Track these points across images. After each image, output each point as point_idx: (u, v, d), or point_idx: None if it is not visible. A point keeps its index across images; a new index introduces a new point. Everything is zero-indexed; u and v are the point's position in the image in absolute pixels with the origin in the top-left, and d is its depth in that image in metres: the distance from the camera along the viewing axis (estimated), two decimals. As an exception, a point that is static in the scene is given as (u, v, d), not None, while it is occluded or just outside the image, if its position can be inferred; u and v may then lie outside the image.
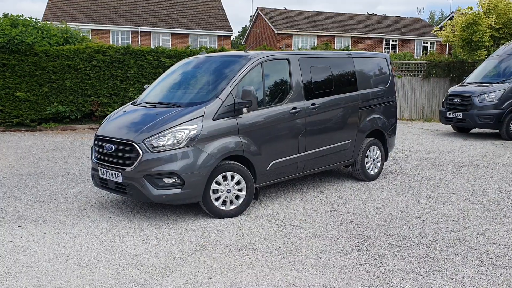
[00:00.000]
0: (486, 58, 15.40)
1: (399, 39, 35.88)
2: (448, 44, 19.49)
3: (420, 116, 18.09)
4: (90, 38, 17.88)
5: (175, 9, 33.42)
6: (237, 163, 5.59)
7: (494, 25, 16.98)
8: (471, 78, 13.49)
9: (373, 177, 7.51)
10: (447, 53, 33.47)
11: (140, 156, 5.18)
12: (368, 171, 7.43)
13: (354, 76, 7.19)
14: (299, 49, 30.40)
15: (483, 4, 17.41)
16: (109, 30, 30.25)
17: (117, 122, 5.89)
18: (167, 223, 5.36)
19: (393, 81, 7.94)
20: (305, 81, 6.43)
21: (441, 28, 22.72)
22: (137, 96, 8.16)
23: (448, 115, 12.91)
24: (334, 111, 6.81)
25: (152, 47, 15.41)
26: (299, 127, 6.27)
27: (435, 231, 5.12)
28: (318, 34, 34.16)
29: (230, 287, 3.81)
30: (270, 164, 5.96)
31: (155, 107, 5.89)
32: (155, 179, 5.18)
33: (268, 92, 6.08)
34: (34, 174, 7.85)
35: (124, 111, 6.17)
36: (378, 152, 7.60)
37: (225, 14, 34.07)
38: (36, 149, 10.34)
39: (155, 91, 6.53)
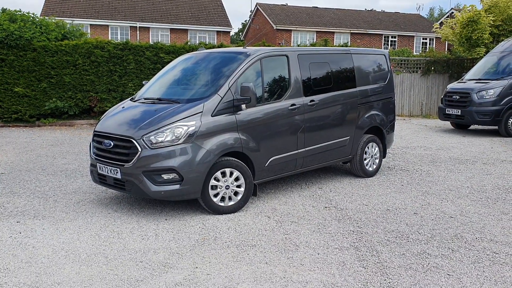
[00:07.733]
0: (485, 55, 15.39)
1: (398, 35, 35.83)
2: (447, 41, 19.55)
3: (419, 112, 18.10)
4: (89, 33, 17.79)
5: (174, 5, 33.31)
6: (235, 159, 5.59)
7: (493, 22, 16.96)
8: (470, 74, 13.49)
9: (371, 174, 7.52)
10: (446, 49, 33.43)
11: (139, 152, 5.18)
12: (367, 167, 7.44)
13: (352, 72, 7.19)
14: (298, 45, 30.37)
15: (485, 3, 17.40)
16: (107, 26, 30.14)
17: (116, 118, 5.89)
18: (166, 219, 5.38)
19: (392, 78, 7.94)
20: (304, 77, 6.42)
21: (440, 24, 22.71)
22: (136, 92, 8.15)
23: (447, 112, 12.92)
24: (332, 107, 6.81)
25: (151, 42, 15.38)
26: (298, 124, 6.27)
27: (433, 228, 5.14)
28: (317, 30, 34.09)
29: (228, 283, 3.82)
30: (269, 161, 5.96)
31: (153, 103, 5.88)
32: (153, 175, 5.19)
33: (267, 89, 6.08)
34: (32, 170, 7.85)
35: (123, 107, 6.17)
36: (377, 148, 7.61)
37: (224, 9, 33.99)
38: (34, 144, 10.33)
39: (153, 87, 6.52)
